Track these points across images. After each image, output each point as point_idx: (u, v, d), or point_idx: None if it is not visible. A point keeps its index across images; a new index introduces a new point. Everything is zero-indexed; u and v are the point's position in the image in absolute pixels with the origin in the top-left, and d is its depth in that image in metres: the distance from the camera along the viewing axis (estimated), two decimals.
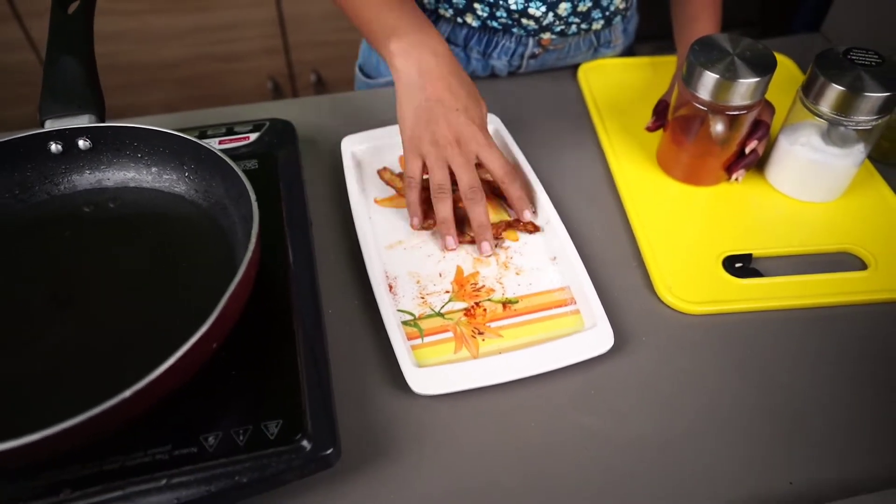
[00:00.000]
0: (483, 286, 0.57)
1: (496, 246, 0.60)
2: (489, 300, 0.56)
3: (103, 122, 0.55)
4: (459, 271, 0.58)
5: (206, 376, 0.43)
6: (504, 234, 0.61)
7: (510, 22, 0.73)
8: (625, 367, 0.52)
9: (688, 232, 0.61)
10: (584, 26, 0.75)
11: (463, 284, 0.57)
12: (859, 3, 0.83)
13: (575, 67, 0.79)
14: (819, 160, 0.60)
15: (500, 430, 0.48)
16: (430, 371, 0.50)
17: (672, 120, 0.64)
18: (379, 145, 0.68)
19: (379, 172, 0.66)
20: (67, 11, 0.59)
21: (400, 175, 0.66)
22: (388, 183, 0.65)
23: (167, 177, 0.55)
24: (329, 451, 0.42)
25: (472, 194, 0.58)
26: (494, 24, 0.73)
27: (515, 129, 0.70)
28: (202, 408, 0.43)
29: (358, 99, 0.77)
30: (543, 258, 0.59)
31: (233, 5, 1.39)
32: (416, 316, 0.55)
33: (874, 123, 0.57)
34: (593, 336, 0.52)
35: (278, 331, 0.48)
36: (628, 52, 0.85)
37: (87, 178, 0.55)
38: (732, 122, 0.59)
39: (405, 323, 0.54)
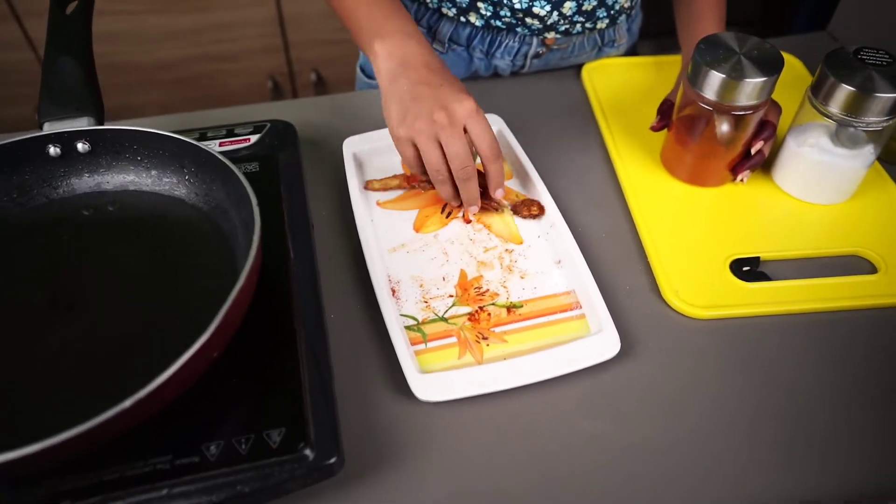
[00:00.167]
0: (487, 290, 0.56)
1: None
2: (493, 304, 0.55)
3: (102, 124, 0.55)
4: (463, 275, 0.58)
5: (206, 384, 0.42)
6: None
7: (514, 21, 0.72)
8: (631, 372, 0.51)
9: (694, 234, 0.60)
10: (588, 25, 0.74)
11: (467, 288, 0.56)
12: (866, 1, 0.82)
13: (579, 67, 0.79)
14: (827, 161, 0.60)
15: (506, 435, 0.48)
16: (434, 377, 0.49)
17: (676, 120, 0.63)
18: (381, 146, 0.67)
19: (366, 187, 0.65)
20: (65, 12, 0.59)
21: (386, 179, 0.65)
22: (381, 189, 0.64)
23: (167, 180, 0.54)
24: (333, 460, 0.42)
25: (463, 174, 0.56)
26: (498, 23, 0.73)
27: (518, 129, 0.69)
28: (203, 416, 0.43)
29: (359, 100, 0.77)
30: (548, 262, 0.58)
31: (232, 5, 1.38)
32: (420, 321, 0.54)
33: (885, 124, 0.56)
34: (599, 341, 0.51)
35: (280, 336, 0.48)
36: (632, 51, 0.84)
37: (86, 182, 0.55)
38: (738, 122, 0.59)
39: (408, 328, 0.54)
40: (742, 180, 0.63)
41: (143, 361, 0.44)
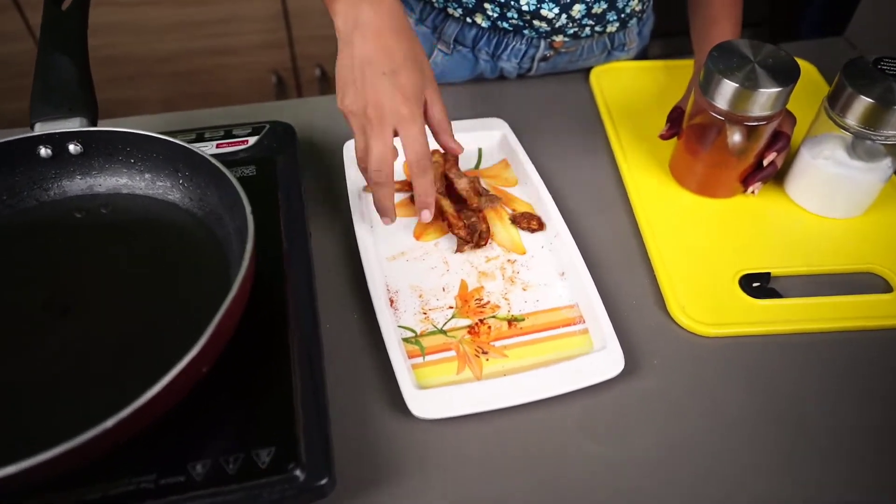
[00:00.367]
0: (488, 302, 0.55)
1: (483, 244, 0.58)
2: (494, 317, 0.54)
3: (95, 125, 0.53)
4: (464, 285, 0.56)
5: (194, 398, 0.41)
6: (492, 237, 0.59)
7: (521, 23, 0.70)
8: (634, 391, 0.50)
9: (702, 247, 0.58)
10: (598, 29, 0.72)
11: (467, 300, 0.55)
12: (884, 5, 0.79)
13: (587, 70, 0.77)
14: (843, 174, 0.58)
15: (505, 454, 0.46)
16: (432, 393, 0.48)
17: (687, 128, 0.61)
18: None
19: (366, 189, 0.62)
20: (61, 7, 0.57)
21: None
22: None
23: (161, 184, 0.53)
24: (324, 481, 0.40)
25: (377, 177, 0.51)
26: (505, 24, 0.71)
27: (524, 134, 0.67)
28: (190, 433, 0.41)
29: None
30: (551, 273, 0.57)
31: None
32: (418, 333, 0.53)
33: None
34: (603, 359, 0.50)
35: (272, 348, 0.46)
36: (643, 54, 0.82)
37: (77, 184, 0.53)
38: (751, 132, 0.57)
39: (406, 340, 0.52)
40: (753, 192, 0.61)
41: (134, 370, 0.43)
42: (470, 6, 0.70)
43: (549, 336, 0.53)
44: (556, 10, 0.68)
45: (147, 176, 0.53)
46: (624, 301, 0.55)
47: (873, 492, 0.45)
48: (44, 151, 0.51)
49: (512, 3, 0.68)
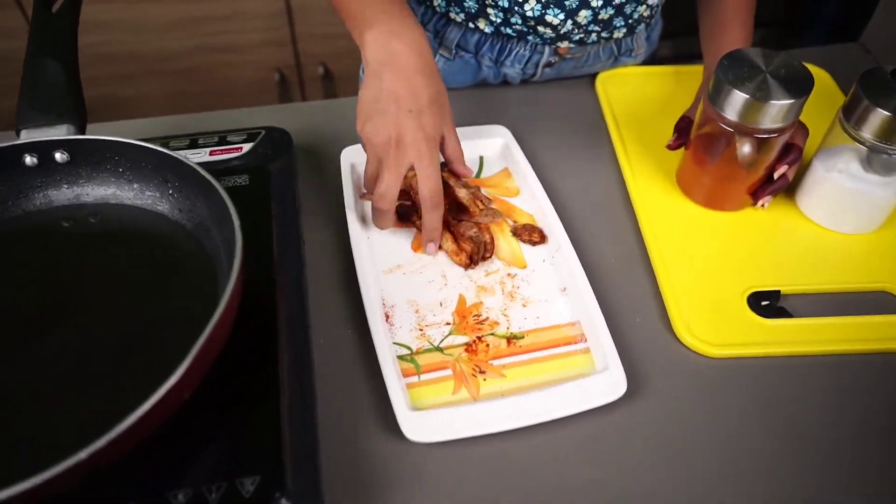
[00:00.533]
0: (487, 318, 0.53)
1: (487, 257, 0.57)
2: (493, 334, 0.52)
3: (84, 131, 0.51)
4: (462, 301, 0.54)
5: (175, 422, 0.39)
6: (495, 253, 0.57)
7: (525, 29, 0.68)
8: (637, 414, 0.48)
9: (710, 263, 0.56)
10: (604, 35, 0.69)
11: (465, 316, 0.53)
12: None
13: (593, 76, 0.75)
14: (857, 188, 0.56)
15: (501, 480, 0.45)
16: (426, 415, 0.46)
17: (695, 138, 0.59)
18: None
19: (363, 197, 0.60)
20: (51, 9, 0.55)
21: None
22: None
23: (150, 194, 0.51)
24: None
25: (379, 203, 0.54)
26: (508, 30, 0.68)
27: (526, 142, 0.65)
28: (170, 459, 0.39)
29: None
30: (553, 289, 0.55)
31: None
32: (413, 350, 0.51)
33: None
34: (604, 380, 0.48)
35: (260, 368, 0.45)
36: (650, 59, 0.79)
37: (64, 193, 0.52)
38: (761, 145, 0.55)
39: (401, 357, 0.50)
40: (763, 206, 0.59)
41: (115, 393, 0.41)
42: (472, 11, 0.68)
43: (549, 355, 0.51)
44: (562, 16, 0.65)
45: (135, 186, 0.51)
46: (627, 319, 0.53)
47: None
48: (29, 160, 0.50)
49: (516, 8, 0.65)
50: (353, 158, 0.63)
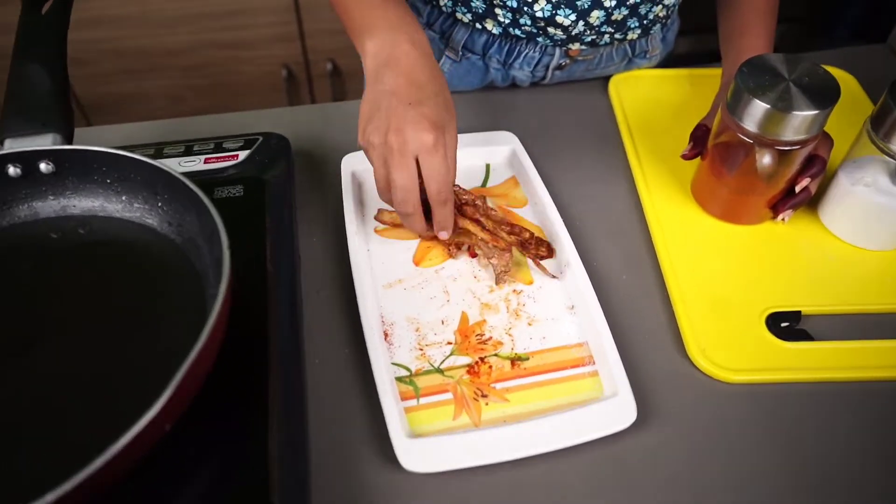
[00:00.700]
0: (490, 338, 0.51)
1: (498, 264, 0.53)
2: (496, 355, 0.50)
3: (70, 142, 0.49)
4: (464, 318, 0.52)
5: (156, 455, 0.37)
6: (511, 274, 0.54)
7: (535, 30, 0.65)
8: (647, 443, 0.45)
9: (726, 281, 0.53)
10: (618, 36, 0.66)
11: (467, 335, 0.51)
12: None
13: (605, 79, 0.71)
14: (885, 203, 0.52)
15: None
16: (425, 443, 0.44)
17: (712, 147, 0.56)
18: None
19: (376, 217, 0.58)
20: (40, 11, 0.53)
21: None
22: (391, 224, 0.58)
23: (138, 206, 0.49)
24: None
25: (402, 208, 0.50)
26: (517, 31, 0.66)
27: (535, 148, 0.63)
28: (151, 495, 0.37)
29: None
30: (560, 307, 0.52)
31: None
32: (413, 371, 0.49)
33: None
34: (613, 407, 0.45)
35: (249, 393, 0.43)
36: (666, 61, 0.76)
37: (50, 205, 0.50)
38: (783, 157, 0.52)
39: (400, 379, 0.48)
40: (783, 220, 0.56)
41: (93, 422, 0.39)
42: (480, 11, 0.65)
43: (554, 378, 0.48)
44: (573, 17, 0.62)
45: (124, 198, 0.49)
46: (638, 340, 0.51)
47: None
48: (13, 170, 0.48)
49: (525, 8, 0.62)
50: (354, 166, 0.61)
